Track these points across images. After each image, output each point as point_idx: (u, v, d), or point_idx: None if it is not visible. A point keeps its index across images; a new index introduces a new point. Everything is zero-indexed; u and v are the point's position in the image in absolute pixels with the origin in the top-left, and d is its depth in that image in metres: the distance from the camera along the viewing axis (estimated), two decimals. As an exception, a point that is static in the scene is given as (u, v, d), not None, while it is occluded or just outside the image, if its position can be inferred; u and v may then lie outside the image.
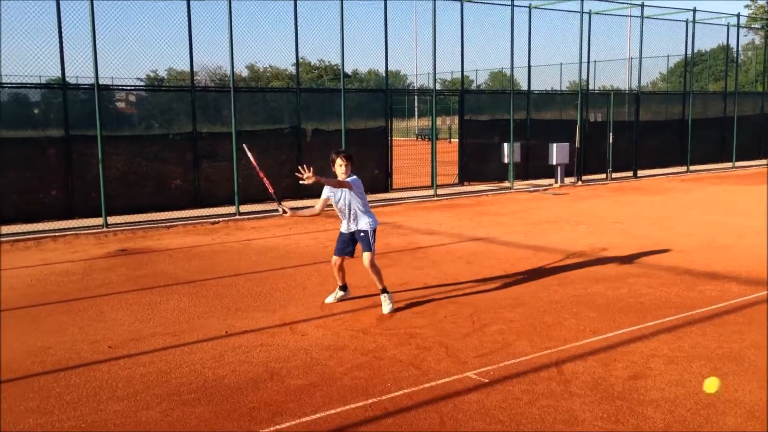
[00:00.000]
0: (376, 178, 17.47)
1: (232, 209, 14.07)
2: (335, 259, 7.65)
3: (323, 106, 17.30)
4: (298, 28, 15.87)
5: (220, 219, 13.49)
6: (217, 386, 5.45)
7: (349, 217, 7.54)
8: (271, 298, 8.02)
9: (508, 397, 5.20)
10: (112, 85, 15.63)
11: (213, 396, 5.27)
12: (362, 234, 7.50)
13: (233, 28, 13.91)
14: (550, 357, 6.01)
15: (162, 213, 13.67)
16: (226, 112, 14.86)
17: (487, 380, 5.53)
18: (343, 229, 7.64)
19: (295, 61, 16.76)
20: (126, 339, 6.60)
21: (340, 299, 7.83)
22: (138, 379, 5.60)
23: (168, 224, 12.95)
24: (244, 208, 14.24)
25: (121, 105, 17.37)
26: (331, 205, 7.71)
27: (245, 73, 31.46)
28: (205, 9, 15.04)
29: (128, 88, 17.55)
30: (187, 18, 14.24)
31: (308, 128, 16.34)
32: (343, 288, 7.84)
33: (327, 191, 7.63)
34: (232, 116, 14.02)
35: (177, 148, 14.53)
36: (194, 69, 14.71)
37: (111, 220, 12.82)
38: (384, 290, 7.51)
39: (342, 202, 7.52)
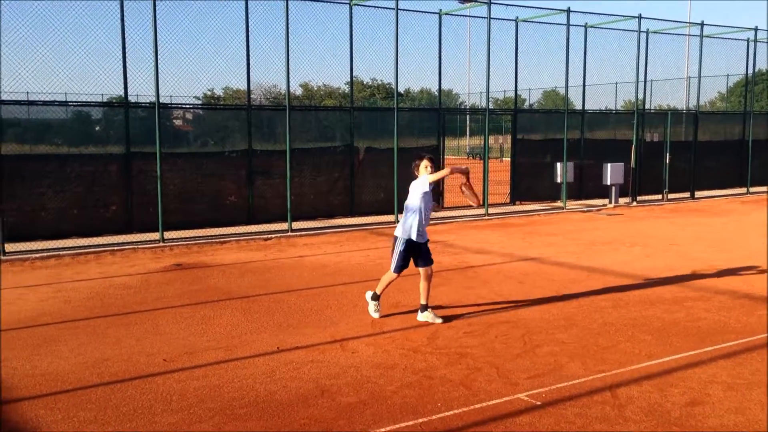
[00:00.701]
0: (427, 196, 17.44)
1: (284, 226, 14.25)
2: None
3: (375, 124, 17.43)
4: (353, 46, 16.06)
5: (273, 235, 13.67)
6: (269, 402, 5.51)
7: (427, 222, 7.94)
8: (322, 314, 8.08)
9: (560, 421, 5.12)
10: (171, 104, 16.02)
11: (264, 411, 5.32)
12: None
13: (289, 48, 14.16)
14: (604, 380, 5.90)
15: (216, 228, 13.91)
16: (280, 130, 15.10)
17: (539, 402, 5.45)
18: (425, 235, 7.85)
19: (348, 80, 16.96)
20: (180, 353, 6.72)
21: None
22: (191, 393, 5.70)
23: (222, 240, 13.18)
24: (296, 225, 14.40)
25: (178, 123, 17.84)
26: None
27: (299, 91, 31.97)
28: (262, 28, 15.35)
29: (186, 106, 18.00)
30: (245, 38, 14.55)
31: (361, 146, 16.47)
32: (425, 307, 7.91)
33: (428, 185, 7.84)
34: (286, 134, 14.24)
35: (232, 165, 14.81)
36: (250, 88, 14.99)
37: (167, 235, 13.11)
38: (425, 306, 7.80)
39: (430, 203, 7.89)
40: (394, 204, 15.66)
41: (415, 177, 7.87)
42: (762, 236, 13.59)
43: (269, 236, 13.60)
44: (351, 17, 15.89)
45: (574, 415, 5.20)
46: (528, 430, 4.97)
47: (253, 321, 7.83)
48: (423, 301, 7.78)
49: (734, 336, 7.06)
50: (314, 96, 33.92)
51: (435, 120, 17.75)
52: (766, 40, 23.37)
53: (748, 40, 22.59)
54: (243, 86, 15.06)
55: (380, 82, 39.67)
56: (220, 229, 13.93)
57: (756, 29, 22.36)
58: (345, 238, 13.65)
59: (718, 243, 12.86)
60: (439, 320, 7.69)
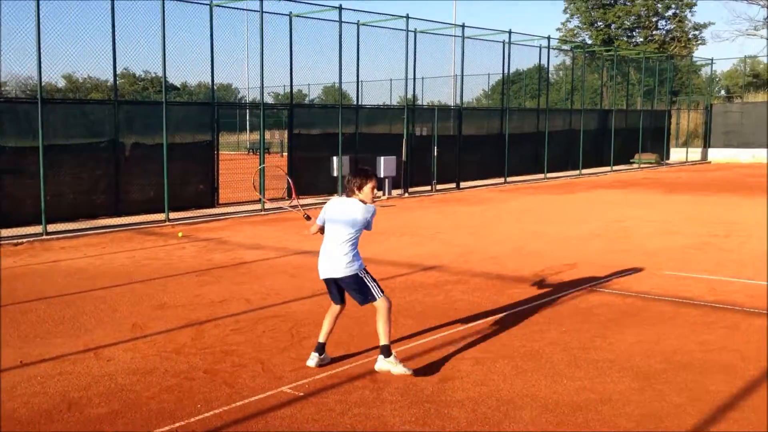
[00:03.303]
0: (201, 193, 16.98)
1: (39, 229, 13.06)
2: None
3: (146, 119, 16.58)
4: (117, 36, 15.12)
5: (25, 240, 12.48)
6: (8, 420, 4.99)
7: None
8: (75, 322, 7.50)
9: (321, 409, 5.18)
10: None
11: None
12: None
13: (47, 35, 13.05)
14: (366, 366, 6.07)
15: (-43, 235, 12.44)
16: (37, 125, 13.84)
17: (301, 394, 5.48)
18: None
19: (115, 71, 15.95)
20: None
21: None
22: None
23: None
24: (53, 227, 13.25)
25: None
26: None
27: (62, 83, 29.57)
28: (13, 12, 13.91)
29: None
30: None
31: (127, 142, 15.58)
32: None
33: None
34: (39, 129, 13.06)
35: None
36: (1, 78, 13.58)
37: None
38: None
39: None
40: (164, 202, 15.00)
41: (351, 194, 6.10)
42: (518, 222, 14.85)
43: (20, 241, 12.40)
44: (113, 6, 14.93)
45: (335, 402, 5.30)
46: (289, 422, 4.97)
47: (-5, 334, 7.07)
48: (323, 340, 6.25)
49: (485, 314, 7.62)
50: (80, 89, 31.61)
51: (210, 115, 17.29)
52: (519, 43, 25.59)
53: (503, 42, 24.59)
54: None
55: (153, 75, 37.95)
56: (-38, 235, 12.47)
57: (510, 32, 24.39)
58: (108, 240, 12.83)
59: (477, 229, 13.85)
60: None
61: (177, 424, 4.96)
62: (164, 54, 14.98)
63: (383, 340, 5.85)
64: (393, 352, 5.86)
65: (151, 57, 16.16)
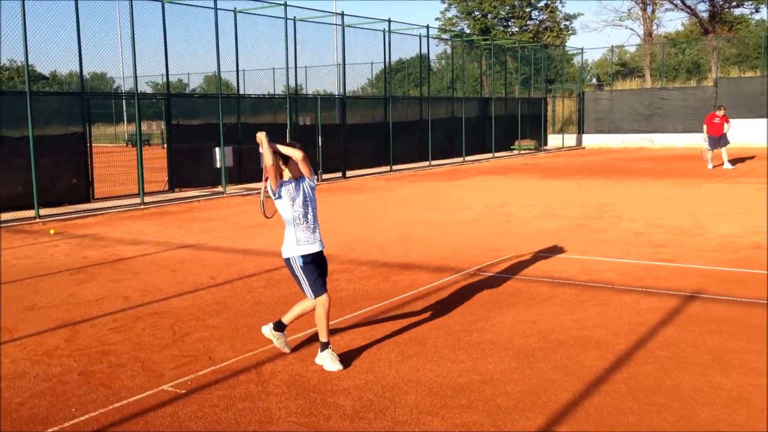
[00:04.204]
0: (74, 187, 16.15)
1: None
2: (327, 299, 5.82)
3: (12, 110, 15.56)
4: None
5: None
6: None
7: (315, 224, 5.85)
8: (-66, 328, 6.96)
9: (204, 405, 5.05)
10: None
11: None
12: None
13: None
14: (251, 360, 5.97)
15: None
16: None
17: (183, 391, 5.33)
18: (315, 247, 5.83)
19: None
20: None
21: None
22: None
23: None
24: None
25: None
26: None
27: None
28: None
29: None
30: None
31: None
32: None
33: (271, 182, 5.69)
34: None
35: None
36: None
37: None
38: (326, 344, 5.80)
39: (302, 200, 5.74)
40: (33, 198, 14.16)
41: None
42: (403, 209, 15.04)
43: None
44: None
45: (219, 398, 5.18)
46: (170, 421, 4.82)
47: None
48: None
49: (371, 302, 7.67)
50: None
51: (81, 105, 16.45)
52: (399, 32, 25.85)
53: (384, 31, 24.76)
54: None
55: (20, 64, 35.65)
56: None
57: (389, 21, 24.60)
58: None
59: (363, 218, 13.92)
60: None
61: (50, 430, 4.70)
62: (26, 42, 14.10)
63: (324, 335, 5.79)
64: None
65: (15, 45, 15.18)
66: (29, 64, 14.89)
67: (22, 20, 14.01)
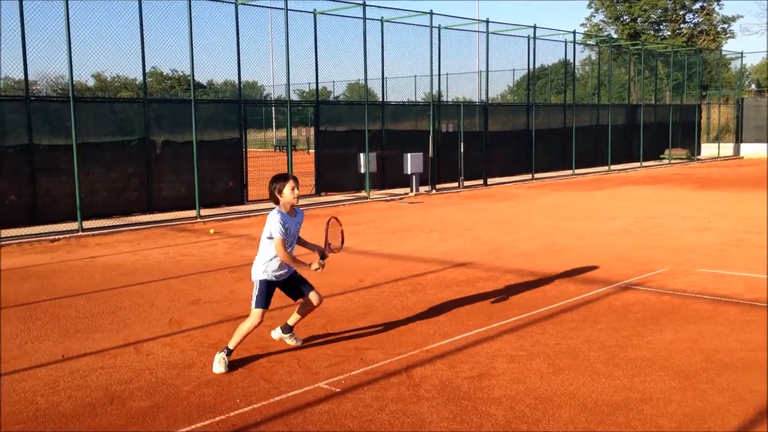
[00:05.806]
0: (230, 190, 17.13)
1: (74, 225, 13.26)
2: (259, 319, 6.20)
3: (175, 117, 16.75)
4: (145, 35, 15.30)
5: (61, 236, 12.68)
6: (50, 414, 5.09)
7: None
8: (114, 317, 7.61)
9: (358, 405, 5.20)
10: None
11: (46, 425, 4.91)
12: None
13: (75, 34, 13.23)
14: (401, 362, 6.08)
15: (-6, 231, 12.66)
16: (70, 123, 14.05)
17: (338, 389, 5.51)
18: (281, 277, 6.36)
19: (144, 69, 16.12)
20: (-54, 370, 6.02)
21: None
22: (-42, 413, 5.12)
23: (1, 243, 12.01)
24: (88, 224, 13.47)
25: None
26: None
27: (92, 82, 29.93)
28: (39, 13, 14.12)
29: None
30: (19, 24, 13.33)
31: (158, 140, 15.75)
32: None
33: (279, 230, 6.09)
34: (72, 127, 13.24)
35: (10, 162, 13.54)
36: (31, 78, 13.81)
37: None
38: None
39: (289, 243, 6.30)
40: (195, 199, 15.15)
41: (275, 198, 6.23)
42: (547, 218, 14.76)
43: (57, 237, 12.60)
44: (140, 5, 15.10)
45: (372, 398, 5.32)
46: (327, 418, 5.00)
47: (35, 329, 7.20)
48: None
49: (518, 311, 7.59)
50: (109, 87, 31.96)
51: (237, 112, 17.41)
52: (544, 38, 25.42)
53: (528, 37, 24.43)
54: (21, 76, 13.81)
55: (181, 74, 38.23)
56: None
57: (535, 27, 24.24)
58: (143, 236, 12.99)
59: (506, 226, 13.79)
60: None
61: (217, 418, 5.01)
62: (192, 52, 15.09)
63: (232, 342, 6.09)
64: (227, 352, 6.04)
65: (179, 55, 16.35)
66: (190, 74, 15.90)
67: (189, 34, 15.01)
